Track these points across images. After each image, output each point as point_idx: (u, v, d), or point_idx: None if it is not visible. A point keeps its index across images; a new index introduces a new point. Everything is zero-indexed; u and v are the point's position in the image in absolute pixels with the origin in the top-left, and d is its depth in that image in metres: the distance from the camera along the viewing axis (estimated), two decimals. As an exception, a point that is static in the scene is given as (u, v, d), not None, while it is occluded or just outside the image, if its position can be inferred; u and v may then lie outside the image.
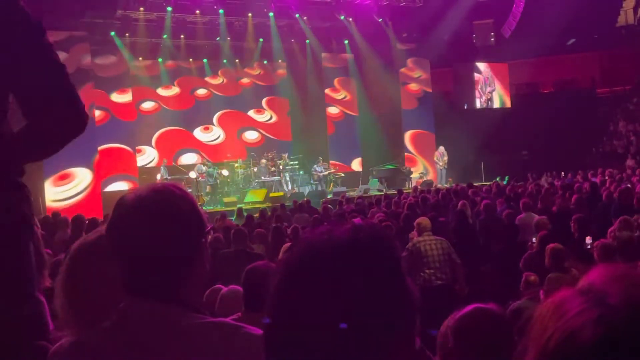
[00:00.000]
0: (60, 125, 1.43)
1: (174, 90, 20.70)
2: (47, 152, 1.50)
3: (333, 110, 21.65)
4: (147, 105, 20.21)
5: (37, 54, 1.41)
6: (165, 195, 1.31)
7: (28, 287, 1.49)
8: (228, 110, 21.42)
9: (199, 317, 1.29)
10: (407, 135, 21.66)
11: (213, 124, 21.26)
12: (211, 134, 21.26)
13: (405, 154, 21.47)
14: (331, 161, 20.40)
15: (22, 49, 1.38)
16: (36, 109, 1.40)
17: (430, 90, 21.90)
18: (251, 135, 21.90)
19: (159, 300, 1.28)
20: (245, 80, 21.80)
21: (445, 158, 20.22)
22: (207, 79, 21.12)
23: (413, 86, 21.74)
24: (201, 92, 21.21)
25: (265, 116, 22.24)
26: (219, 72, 21.30)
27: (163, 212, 1.28)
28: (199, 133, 21.03)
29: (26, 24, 1.41)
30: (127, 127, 18.46)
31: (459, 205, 9.01)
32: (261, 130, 22.02)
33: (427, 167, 21.51)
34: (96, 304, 1.40)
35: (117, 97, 18.41)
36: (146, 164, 19.47)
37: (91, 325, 1.34)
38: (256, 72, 21.88)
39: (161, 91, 20.44)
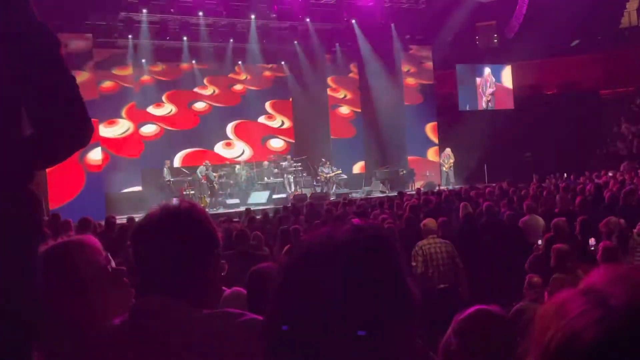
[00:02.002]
0: (69, 139, 1.44)
1: (168, 108, 19.90)
2: (51, 164, 1.53)
3: (344, 110, 21.48)
4: (148, 129, 19.25)
5: (50, 64, 1.39)
6: (183, 212, 1.46)
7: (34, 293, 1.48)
8: (238, 121, 20.95)
9: (205, 310, 1.39)
10: (428, 128, 21.60)
11: (231, 139, 20.75)
12: (235, 150, 20.72)
13: (435, 147, 21.47)
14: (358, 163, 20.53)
15: (34, 60, 1.37)
16: (47, 122, 1.40)
17: (432, 83, 21.86)
18: (276, 144, 21.54)
19: (168, 297, 1.38)
20: (238, 87, 21.40)
21: (452, 160, 20.18)
22: (196, 89, 20.50)
23: (410, 80, 21.65)
24: (199, 106, 20.49)
25: (277, 122, 21.99)
26: (205, 81, 20.64)
27: (181, 224, 1.44)
28: (221, 150, 20.39)
29: (39, 33, 1.39)
30: (134, 165, 17.38)
31: (460, 207, 8.99)
32: (283, 137, 21.73)
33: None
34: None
35: (110, 131, 17.34)
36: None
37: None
38: (243, 77, 21.45)
39: (153, 110, 19.49)
